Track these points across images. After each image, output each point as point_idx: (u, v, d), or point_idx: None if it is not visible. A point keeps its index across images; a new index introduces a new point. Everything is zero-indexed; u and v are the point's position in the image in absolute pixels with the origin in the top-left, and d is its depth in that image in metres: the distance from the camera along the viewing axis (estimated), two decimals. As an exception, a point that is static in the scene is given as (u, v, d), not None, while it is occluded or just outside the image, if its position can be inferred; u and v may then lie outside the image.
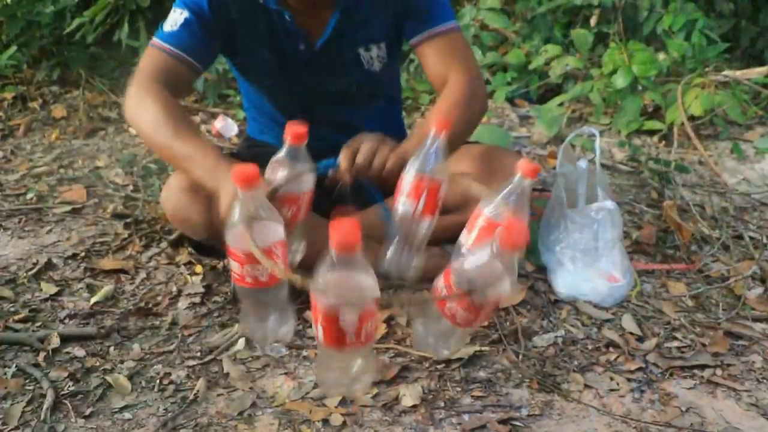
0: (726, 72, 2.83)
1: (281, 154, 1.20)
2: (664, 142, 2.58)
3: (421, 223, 1.24)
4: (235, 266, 1.07)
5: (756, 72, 2.81)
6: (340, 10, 1.53)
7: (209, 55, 1.55)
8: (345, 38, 1.57)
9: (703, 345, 1.43)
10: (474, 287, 0.98)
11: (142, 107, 1.37)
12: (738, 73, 2.83)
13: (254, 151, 1.75)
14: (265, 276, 1.07)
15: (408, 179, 1.21)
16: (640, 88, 2.64)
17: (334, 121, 1.67)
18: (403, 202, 1.22)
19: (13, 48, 2.75)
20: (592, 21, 3.13)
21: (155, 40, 1.49)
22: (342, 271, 0.91)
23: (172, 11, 1.50)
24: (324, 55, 1.57)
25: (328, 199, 1.71)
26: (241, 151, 1.81)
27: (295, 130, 1.18)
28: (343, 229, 0.89)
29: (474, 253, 1.05)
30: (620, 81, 2.55)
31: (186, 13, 1.47)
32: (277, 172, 1.20)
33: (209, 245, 1.56)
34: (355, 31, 1.57)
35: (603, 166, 2.35)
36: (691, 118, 2.55)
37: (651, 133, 2.63)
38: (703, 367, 1.36)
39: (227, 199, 1.18)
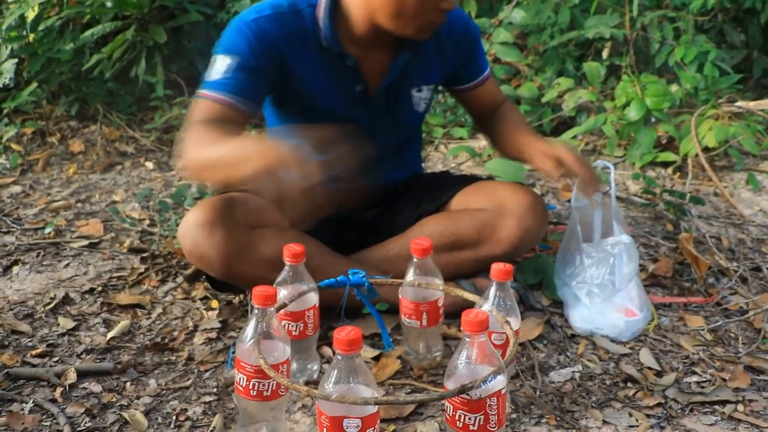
0: (739, 103, 2.83)
1: (283, 275, 1.32)
2: (678, 173, 2.57)
3: None
4: (241, 379, 1.14)
5: (769, 103, 2.81)
6: (410, 53, 1.56)
7: (259, 98, 1.51)
8: (403, 80, 1.60)
9: (724, 380, 1.41)
10: (468, 383, 1.02)
11: (188, 141, 1.38)
12: (751, 104, 2.83)
13: None
14: (269, 391, 1.13)
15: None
16: (653, 120, 2.65)
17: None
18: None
19: (34, 84, 2.80)
20: (604, 54, 3.15)
21: (202, 91, 1.45)
22: (345, 381, 1.01)
23: (213, 60, 1.46)
24: (380, 97, 1.57)
25: (350, 229, 1.72)
26: None
27: (292, 251, 1.31)
28: (345, 332, 1.01)
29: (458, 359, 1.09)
30: (633, 113, 2.56)
31: (229, 59, 1.44)
32: (281, 291, 1.31)
33: (226, 282, 1.57)
34: (414, 73, 1.60)
35: (617, 198, 2.35)
36: (706, 149, 2.55)
37: (665, 165, 2.62)
38: (723, 402, 1.34)
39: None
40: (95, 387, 1.38)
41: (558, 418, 1.28)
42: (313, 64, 1.52)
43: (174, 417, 1.29)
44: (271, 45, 1.47)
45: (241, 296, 1.68)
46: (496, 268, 1.29)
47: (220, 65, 1.44)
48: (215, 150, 1.32)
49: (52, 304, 1.68)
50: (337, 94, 1.56)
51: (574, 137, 2.73)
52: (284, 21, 1.48)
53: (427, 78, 1.66)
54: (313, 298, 1.35)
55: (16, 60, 2.78)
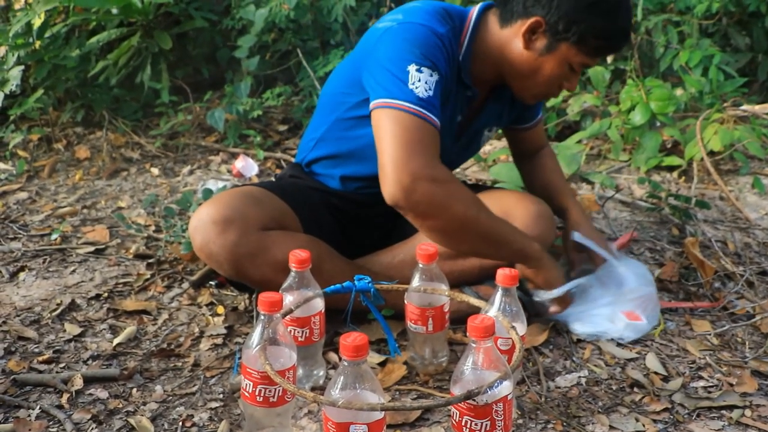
0: (744, 106, 2.83)
1: (289, 280, 1.34)
2: (683, 177, 2.57)
3: None
4: (247, 385, 1.15)
5: (775, 106, 2.81)
6: (500, 97, 1.64)
7: None
8: (483, 120, 1.66)
9: (731, 385, 1.40)
10: (474, 389, 1.02)
11: (453, 190, 1.39)
12: (756, 108, 2.83)
13: (297, 182, 1.73)
14: (275, 397, 1.15)
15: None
16: (658, 124, 2.65)
17: None
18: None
19: (40, 91, 2.81)
20: (609, 58, 3.15)
21: (415, 107, 1.36)
22: (351, 387, 1.01)
23: (414, 68, 1.39)
24: (467, 129, 1.58)
25: (361, 230, 1.72)
26: (284, 177, 1.80)
27: (298, 257, 1.32)
28: (352, 338, 1.01)
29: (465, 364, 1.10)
30: (638, 117, 2.56)
31: (436, 76, 1.40)
32: (287, 297, 1.32)
33: (234, 281, 1.57)
34: (492, 115, 1.68)
35: (623, 203, 2.35)
36: (711, 153, 2.55)
37: (670, 169, 2.62)
38: (731, 407, 1.34)
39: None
40: (102, 393, 1.38)
41: (564, 424, 1.28)
42: (450, 90, 1.53)
43: (180, 423, 1.29)
44: (450, 63, 1.47)
45: (247, 302, 1.68)
46: (502, 273, 1.29)
47: (427, 78, 1.39)
48: (506, 230, 1.46)
49: (59, 311, 1.68)
50: (443, 117, 1.51)
51: (579, 142, 2.73)
52: (453, 38, 1.49)
53: (499, 120, 1.73)
54: (319, 304, 1.35)
55: (22, 67, 2.79)
